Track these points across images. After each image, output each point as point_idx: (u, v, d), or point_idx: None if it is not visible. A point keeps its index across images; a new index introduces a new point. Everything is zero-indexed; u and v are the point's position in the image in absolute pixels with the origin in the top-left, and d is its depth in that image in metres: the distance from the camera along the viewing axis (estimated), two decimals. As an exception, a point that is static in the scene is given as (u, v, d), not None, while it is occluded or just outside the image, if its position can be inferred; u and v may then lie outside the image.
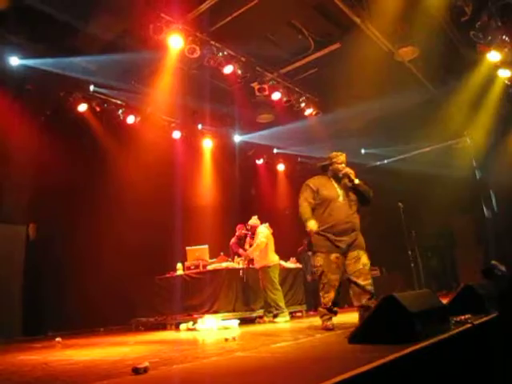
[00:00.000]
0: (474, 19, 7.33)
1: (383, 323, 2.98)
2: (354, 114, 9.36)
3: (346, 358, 2.76)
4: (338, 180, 4.87)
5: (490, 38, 7.63)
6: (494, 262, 7.83)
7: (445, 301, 4.27)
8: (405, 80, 8.86)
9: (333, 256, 4.62)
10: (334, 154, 4.94)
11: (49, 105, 8.07)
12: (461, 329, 3.19)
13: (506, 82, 9.02)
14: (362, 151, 12.20)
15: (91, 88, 8.38)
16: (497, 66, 8.47)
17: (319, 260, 4.67)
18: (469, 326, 3.30)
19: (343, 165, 4.86)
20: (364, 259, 4.67)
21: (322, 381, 1.77)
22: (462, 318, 3.59)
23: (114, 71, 8.04)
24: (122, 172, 8.56)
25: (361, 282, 4.55)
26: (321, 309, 4.74)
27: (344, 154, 4.94)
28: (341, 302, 9.42)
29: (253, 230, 7.68)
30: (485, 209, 11.57)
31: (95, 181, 8.39)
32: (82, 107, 8.41)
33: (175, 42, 7.27)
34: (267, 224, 7.70)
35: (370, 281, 4.61)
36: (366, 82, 8.22)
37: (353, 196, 4.82)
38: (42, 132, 7.58)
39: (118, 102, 9.01)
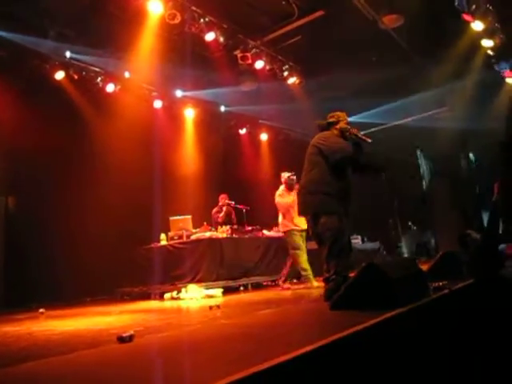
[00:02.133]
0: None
1: (364, 290, 3.05)
2: (337, 83, 9.28)
3: (328, 323, 2.83)
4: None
5: (474, 7, 7.60)
6: (468, 230, 8.07)
7: (424, 268, 4.40)
8: (389, 49, 8.81)
9: (343, 220, 4.30)
10: (340, 112, 4.70)
11: (24, 72, 7.79)
12: (438, 294, 3.30)
13: (489, 51, 9.03)
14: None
15: (67, 54, 8.09)
16: (480, 36, 8.46)
17: (335, 222, 4.19)
18: (446, 291, 3.41)
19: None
20: None
21: (304, 345, 1.82)
22: (440, 284, 3.71)
23: (92, 37, 7.77)
24: (103, 142, 8.39)
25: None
26: (337, 278, 4.03)
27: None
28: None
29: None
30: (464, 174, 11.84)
31: (75, 150, 8.21)
32: (59, 75, 8.14)
33: (155, 7, 7.03)
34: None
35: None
36: (350, 50, 8.14)
37: None
38: (19, 101, 7.34)
39: (97, 69, 8.75)
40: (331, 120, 4.66)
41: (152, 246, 7.81)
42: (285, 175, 7.17)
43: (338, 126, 4.61)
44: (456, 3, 7.52)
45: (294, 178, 6.87)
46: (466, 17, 7.78)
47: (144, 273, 7.56)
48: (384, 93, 10.24)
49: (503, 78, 9.84)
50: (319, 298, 4.29)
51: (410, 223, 12.68)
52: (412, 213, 12.31)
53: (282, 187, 7.19)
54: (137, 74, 9.07)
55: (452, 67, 9.08)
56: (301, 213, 4.54)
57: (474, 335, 2.73)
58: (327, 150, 4.36)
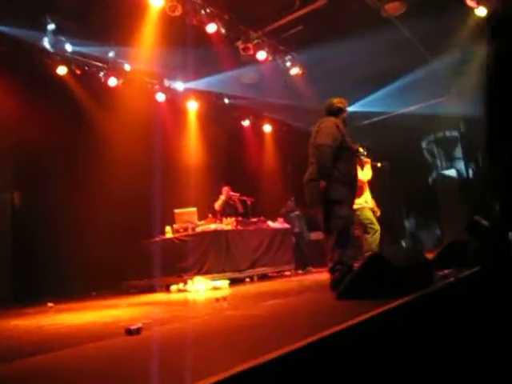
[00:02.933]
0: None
1: (370, 279, 3.06)
2: (341, 73, 9.20)
3: (334, 313, 2.83)
4: None
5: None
6: (476, 217, 7.97)
7: (430, 256, 4.39)
8: (392, 37, 8.72)
9: (351, 208, 4.37)
10: (344, 100, 4.68)
11: (25, 67, 7.77)
12: (444, 283, 3.29)
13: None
14: (349, 109, 12.11)
15: (69, 48, 8.05)
16: (484, 22, 8.35)
17: (345, 211, 4.18)
18: (452, 279, 3.40)
19: None
20: None
21: (311, 335, 1.82)
22: (446, 272, 3.71)
23: (93, 30, 7.74)
24: (107, 135, 8.40)
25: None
26: (343, 267, 4.01)
27: None
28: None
29: None
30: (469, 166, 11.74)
31: (79, 144, 8.22)
32: (62, 70, 8.13)
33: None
34: None
35: None
36: (353, 40, 8.06)
37: None
38: (21, 96, 7.35)
39: (99, 64, 8.73)
40: (339, 106, 4.61)
41: (157, 238, 7.83)
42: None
43: (341, 115, 4.59)
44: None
45: (364, 153, 6.46)
46: (470, 2, 7.68)
47: (150, 266, 7.58)
48: (386, 81, 10.18)
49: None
50: (325, 288, 4.29)
51: (414, 212, 12.62)
52: (417, 204, 12.25)
53: None
54: (138, 67, 9.04)
55: (456, 54, 9.00)
56: (309, 204, 4.45)
57: (481, 323, 2.72)
58: (318, 138, 4.32)
